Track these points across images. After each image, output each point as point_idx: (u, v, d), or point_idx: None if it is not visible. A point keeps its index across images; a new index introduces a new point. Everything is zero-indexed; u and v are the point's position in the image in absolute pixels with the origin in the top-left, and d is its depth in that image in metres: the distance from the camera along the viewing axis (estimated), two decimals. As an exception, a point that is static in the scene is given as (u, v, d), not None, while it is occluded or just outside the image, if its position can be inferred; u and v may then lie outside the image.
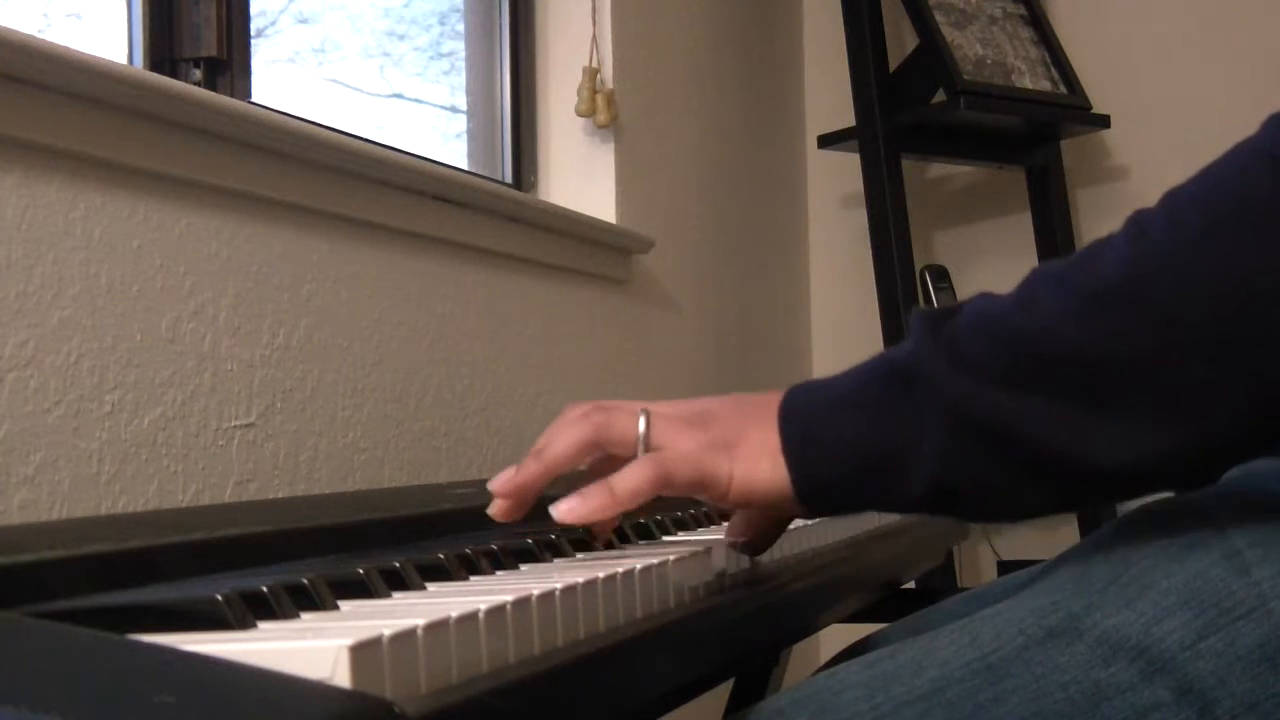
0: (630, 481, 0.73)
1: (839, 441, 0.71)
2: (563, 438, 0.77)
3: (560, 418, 0.79)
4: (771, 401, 0.74)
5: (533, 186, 2.07)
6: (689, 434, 0.75)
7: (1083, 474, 0.66)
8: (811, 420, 0.72)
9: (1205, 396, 0.63)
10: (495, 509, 0.78)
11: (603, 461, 0.78)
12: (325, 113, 1.66)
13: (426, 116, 1.99)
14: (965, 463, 0.68)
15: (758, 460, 0.73)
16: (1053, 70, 2.50)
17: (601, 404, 0.78)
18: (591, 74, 2.02)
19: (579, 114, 2.02)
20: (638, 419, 0.75)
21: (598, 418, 0.76)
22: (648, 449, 0.75)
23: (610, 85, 2.04)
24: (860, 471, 0.71)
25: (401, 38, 1.94)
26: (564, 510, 0.74)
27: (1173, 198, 0.66)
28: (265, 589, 0.55)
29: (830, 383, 0.73)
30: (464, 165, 1.96)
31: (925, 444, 0.68)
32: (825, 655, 1.85)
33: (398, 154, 1.54)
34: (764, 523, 0.82)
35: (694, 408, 0.77)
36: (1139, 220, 0.67)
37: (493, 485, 0.78)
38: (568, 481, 0.77)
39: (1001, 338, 0.67)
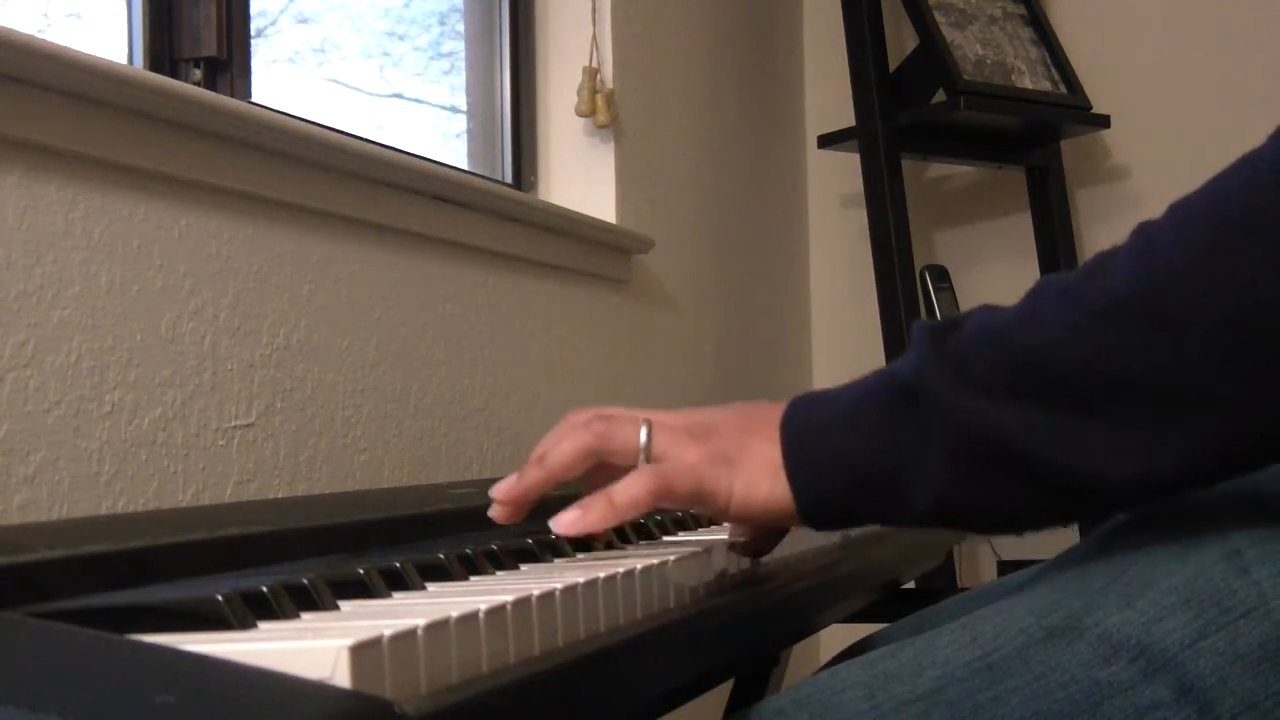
0: (630, 492, 0.73)
1: (841, 458, 0.71)
2: (564, 445, 0.77)
3: (562, 423, 0.80)
4: (774, 414, 0.75)
5: (533, 186, 2.07)
6: (690, 445, 0.75)
7: (1088, 489, 0.66)
8: (814, 436, 0.72)
9: (1213, 410, 0.63)
10: (496, 513, 0.79)
11: (600, 471, 0.78)
12: (325, 113, 1.65)
13: (426, 116, 1.99)
14: (969, 480, 0.68)
15: (758, 476, 0.74)
16: (1053, 70, 2.49)
17: (603, 412, 0.78)
18: (591, 74, 2.02)
19: (579, 114, 2.02)
20: (639, 429, 0.76)
21: (599, 427, 0.77)
22: (649, 459, 0.76)
23: (610, 85, 2.04)
24: (863, 488, 0.71)
25: (401, 38, 1.94)
26: (566, 523, 0.75)
27: (1179, 210, 0.66)
28: (265, 589, 0.55)
29: (833, 396, 0.73)
30: (464, 165, 1.96)
31: (929, 461, 0.68)
32: (825, 655, 1.85)
33: (398, 154, 1.54)
34: (765, 526, 0.82)
35: (696, 419, 0.77)
36: (1145, 232, 0.66)
37: (494, 492, 0.79)
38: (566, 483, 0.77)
39: (1006, 352, 0.67)
